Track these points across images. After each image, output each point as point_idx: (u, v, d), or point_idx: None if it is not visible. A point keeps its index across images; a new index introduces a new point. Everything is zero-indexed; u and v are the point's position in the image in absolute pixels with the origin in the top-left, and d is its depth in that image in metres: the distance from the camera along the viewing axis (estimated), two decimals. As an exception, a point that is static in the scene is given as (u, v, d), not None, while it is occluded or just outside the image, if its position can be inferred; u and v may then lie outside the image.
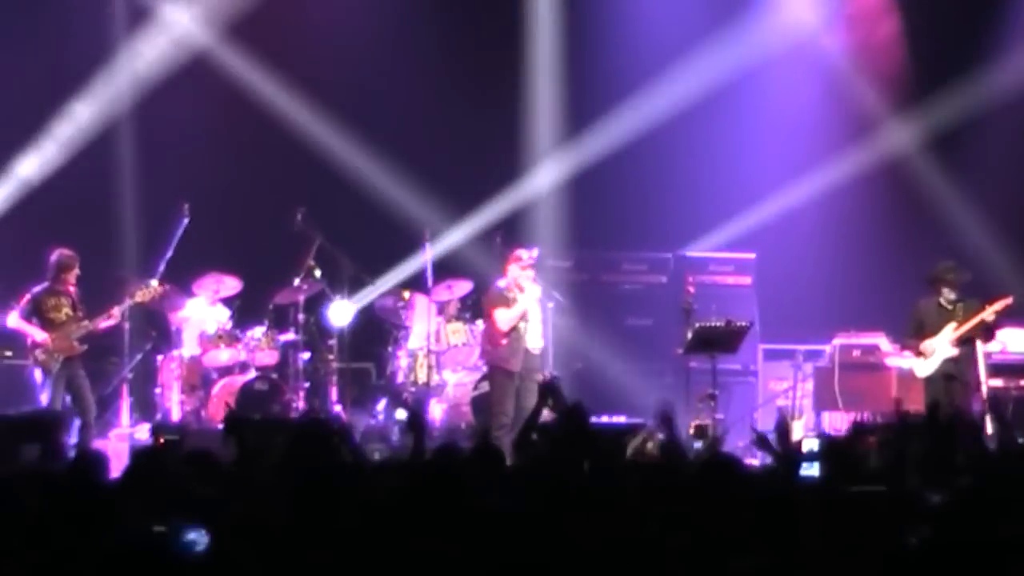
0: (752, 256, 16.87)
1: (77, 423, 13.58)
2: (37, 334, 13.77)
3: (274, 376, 15.37)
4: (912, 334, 13.98)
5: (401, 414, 15.09)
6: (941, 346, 13.74)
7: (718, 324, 14.54)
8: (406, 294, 15.98)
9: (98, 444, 13.65)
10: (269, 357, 15.46)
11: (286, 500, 5.99)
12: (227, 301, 15.73)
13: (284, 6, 16.86)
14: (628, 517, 5.66)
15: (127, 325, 14.87)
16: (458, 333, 15.92)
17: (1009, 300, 13.71)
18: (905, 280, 15.05)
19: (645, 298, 16.90)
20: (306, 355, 15.75)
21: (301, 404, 15.30)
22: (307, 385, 15.66)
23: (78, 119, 16.40)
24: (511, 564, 4.79)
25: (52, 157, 16.37)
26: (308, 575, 5.13)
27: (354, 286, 15.84)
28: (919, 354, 13.85)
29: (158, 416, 15.26)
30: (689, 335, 14.48)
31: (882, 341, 15.52)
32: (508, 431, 12.80)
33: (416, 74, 16.89)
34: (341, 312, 15.64)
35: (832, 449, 7.99)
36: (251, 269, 15.88)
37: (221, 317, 15.61)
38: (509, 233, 15.47)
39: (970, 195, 16.65)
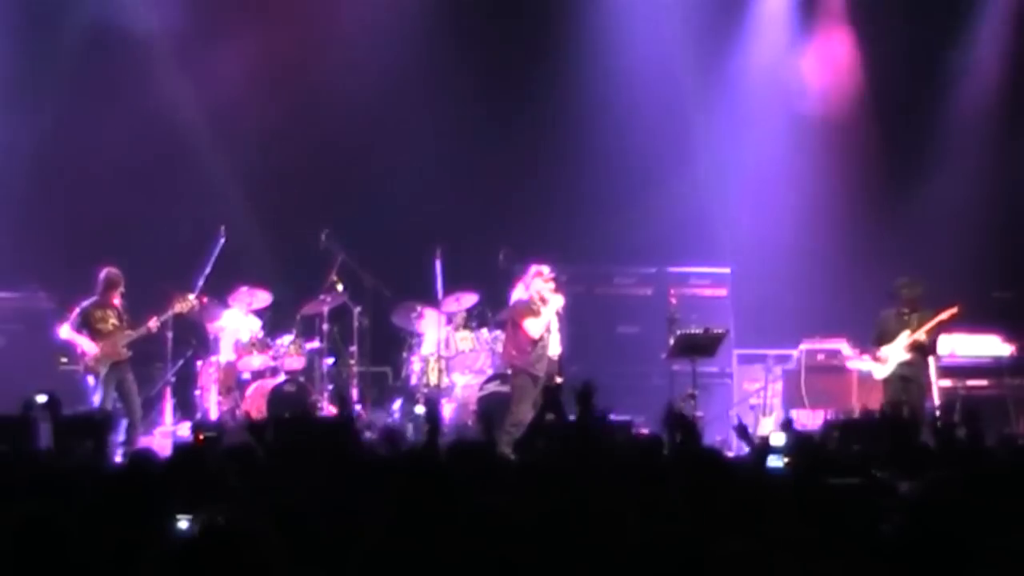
0: (728, 271, 16.86)
1: (124, 423, 13.54)
2: (87, 345, 13.76)
3: (301, 379, 15.36)
4: (875, 341, 14.03)
5: (420, 409, 15.09)
6: (896, 351, 13.80)
7: (698, 331, 14.58)
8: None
9: (144, 441, 13.63)
10: (297, 362, 15.48)
11: (310, 491, 5.95)
12: (259, 312, 15.78)
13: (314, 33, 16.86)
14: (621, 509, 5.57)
15: (170, 334, 14.87)
16: (466, 340, 15.89)
17: (955, 309, 13.80)
18: (864, 292, 15.05)
19: (633, 308, 16.85)
20: (330, 360, 15.81)
21: (325, 404, 15.30)
22: (331, 387, 15.68)
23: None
24: (506, 559, 4.66)
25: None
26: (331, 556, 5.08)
27: (374, 299, 15.84)
28: (877, 359, 13.92)
29: (198, 415, 15.23)
30: (672, 341, 14.57)
31: (844, 346, 15.57)
32: (520, 429, 12.69)
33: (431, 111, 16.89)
34: None
35: (800, 443, 7.99)
36: (280, 283, 15.96)
37: (254, 326, 15.67)
38: (514, 249, 15.40)
39: (926, 214, 16.65)
